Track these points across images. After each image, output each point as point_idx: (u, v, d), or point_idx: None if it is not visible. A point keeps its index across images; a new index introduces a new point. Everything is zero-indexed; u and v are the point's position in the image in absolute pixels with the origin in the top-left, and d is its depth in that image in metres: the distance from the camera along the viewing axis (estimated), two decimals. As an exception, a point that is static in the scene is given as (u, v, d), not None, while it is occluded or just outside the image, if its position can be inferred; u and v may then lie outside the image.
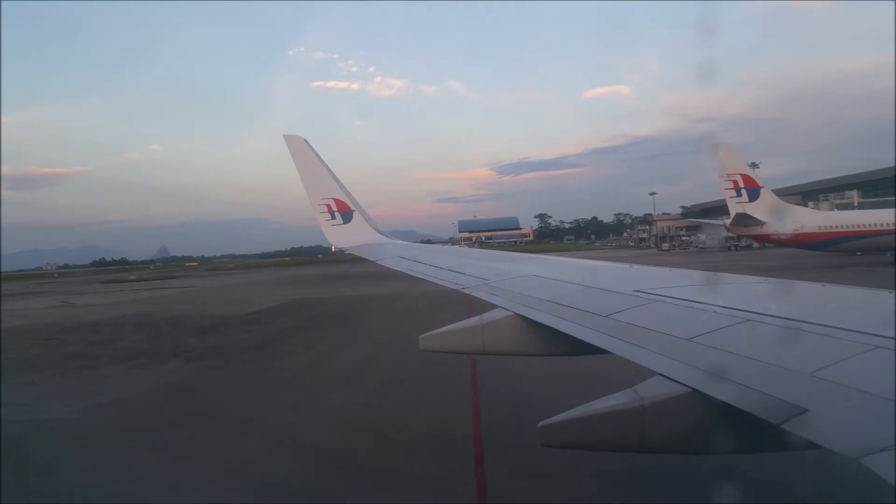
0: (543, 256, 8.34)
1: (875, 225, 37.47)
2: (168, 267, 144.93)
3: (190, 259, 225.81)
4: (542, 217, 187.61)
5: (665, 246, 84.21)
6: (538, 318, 4.30)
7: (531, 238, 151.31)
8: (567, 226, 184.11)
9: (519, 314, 4.59)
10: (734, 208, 38.45)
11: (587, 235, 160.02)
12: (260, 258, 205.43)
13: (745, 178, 38.25)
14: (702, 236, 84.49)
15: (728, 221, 40.62)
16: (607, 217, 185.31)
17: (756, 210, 37.44)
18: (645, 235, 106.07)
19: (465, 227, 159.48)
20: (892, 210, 39.66)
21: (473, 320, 4.83)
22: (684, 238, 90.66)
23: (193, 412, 10.59)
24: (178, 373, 13.93)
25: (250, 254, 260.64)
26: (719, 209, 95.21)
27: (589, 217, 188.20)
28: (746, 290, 4.39)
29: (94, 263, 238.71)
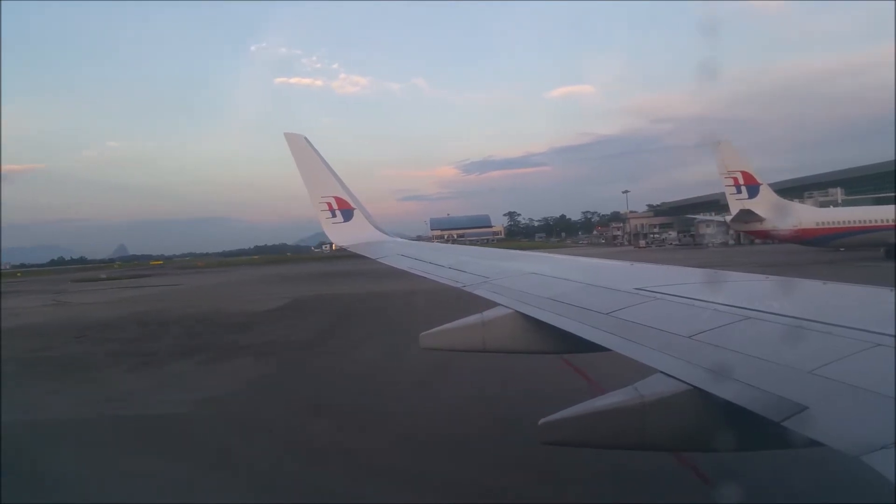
0: (543, 254, 8.34)
1: (870, 221, 37.72)
2: (133, 266, 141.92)
3: (150, 257, 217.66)
4: (511, 215, 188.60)
5: (642, 243, 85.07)
6: (539, 316, 4.30)
7: (502, 236, 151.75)
8: (536, 224, 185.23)
9: (520, 312, 4.59)
10: (734, 205, 38.70)
11: (558, 233, 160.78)
12: (223, 257, 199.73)
13: (746, 175, 38.47)
14: (673, 234, 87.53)
15: (728, 218, 40.86)
16: (575, 215, 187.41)
17: (756, 207, 37.72)
18: (619, 233, 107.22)
19: (436, 224, 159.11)
20: (889, 206, 39.94)
21: (474, 318, 4.84)
22: (655, 235, 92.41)
23: (306, 407, 10.40)
24: (255, 368, 13.71)
25: (212, 252, 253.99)
26: (691, 207, 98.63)
27: (557, 215, 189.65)
28: (747, 288, 4.39)
29: (53, 262, 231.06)
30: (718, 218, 60.37)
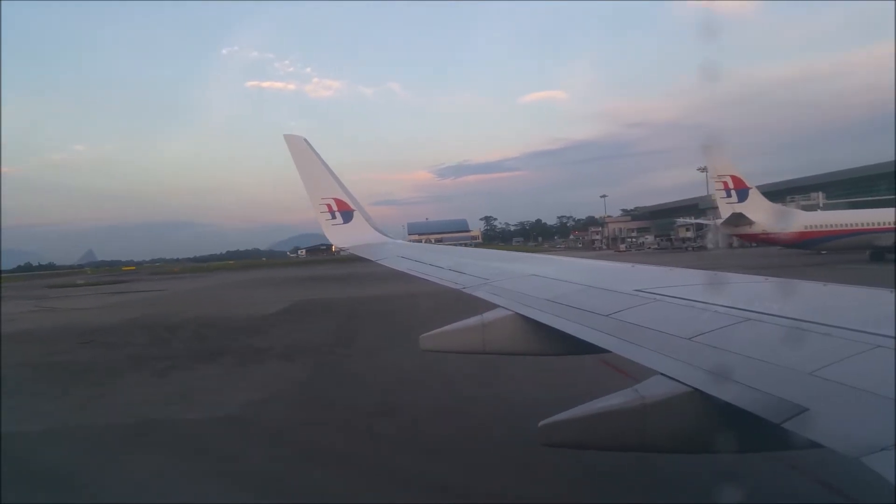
0: (543, 256, 8.35)
1: (858, 224, 38.31)
2: (106, 271, 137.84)
3: (120, 263, 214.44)
4: (487, 219, 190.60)
5: (622, 247, 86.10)
6: (538, 318, 4.31)
7: (480, 240, 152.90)
8: (513, 228, 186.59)
9: (519, 314, 4.59)
10: (724, 208, 39.36)
11: (535, 238, 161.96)
12: (195, 262, 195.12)
13: (735, 179, 39.10)
14: (650, 238, 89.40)
15: (719, 221, 41.38)
16: (550, 219, 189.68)
17: (746, 210, 38.31)
18: (597, 237, 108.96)
19: (413, 229, 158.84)
20: (875, 210, 41.21)
21: (474, 320, 4.84)
22: (632, 239, 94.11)
23: (369, 404, 10.22)
24: (292, 371, 13.48)
25: (183, 257, 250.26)
26: (668, 211, 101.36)
27: (533, 219, 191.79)
28: (747, 290, 4.39)
29: (20, 268, 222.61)
30: (705, 221, 61.29)
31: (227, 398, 11.07)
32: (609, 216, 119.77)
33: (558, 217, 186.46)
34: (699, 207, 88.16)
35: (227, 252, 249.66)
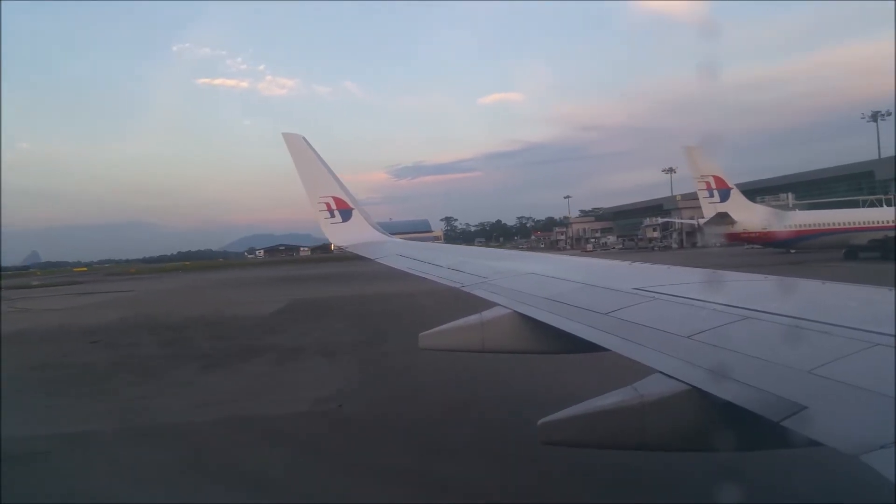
0: (542, 255, 8.35)
1: (836, 224, 39.26)
2: (56, 272, 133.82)
3: (67, 264, 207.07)
4: (448, 220, 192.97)
5: (588, 247, 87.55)
6: (537, 316, 4.30)
7: (442, 240, 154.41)
8: (473, 229, 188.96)
9: (518, 312, 4.58)
10: (707, 208, 40.31)
11: (496, 238, 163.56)
12: (146, 263, 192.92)
13: (717, 179, 39.88)
14: (612, 238, 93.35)
15: (703, 221, 42.44)
16: (509, 220, 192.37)
17: (728, 209, 39.17)
18: (562, 237, 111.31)
19: (378, 229, 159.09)
20: (853, 210, 43.27)
21: (473, 318, 4.84)
22: (595, 239, 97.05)
23: (452, 398, 10.01)
24: (347, 367, 13.26)
25: (133, 259, 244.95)
26: (633, 212, 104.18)
27: (493, 220, 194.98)
28: (745, 288, 4.39)
29: None
30: (690, 221, 62.54)
31: (303, 394, 10.89)
32: (567, 217, 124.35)
33: (518, 218, 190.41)
34: (664, 208, 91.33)
35: (179, 253, 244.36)
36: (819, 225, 39.58)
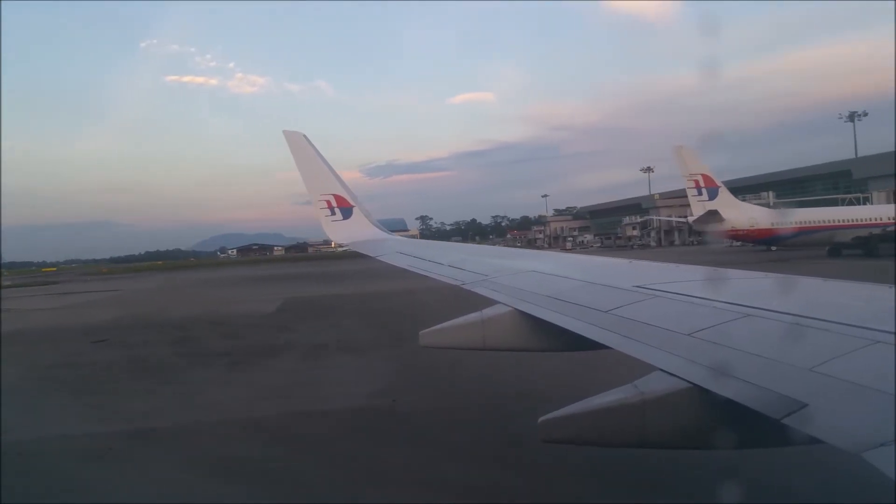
0: (542, 252, 8.35)
1: (821, 222, 40.04)
2: (24, 273, 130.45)
3: (32, 264, 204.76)
4: (423, 219, 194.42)
5: (568, 245, 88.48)
6: (538, 314, 4.30)
7: (419, 239, 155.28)
8: (449, 227, 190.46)
9: (519, 310, 4.59)
10: (696, 207, 41.20)
11: (472, 237, 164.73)
12: (113, 263, 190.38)
13: (706, 178, 40.63)
14: (589, 236, 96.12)
15: (692, 218, 43.46)
16: (484, 219, 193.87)
17: (717, 207, 40.13)
18: (540, 236, 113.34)
19: None
20: (837, 208, 44.78)
21: (473, 316, 4.84)
22: (571, 238, 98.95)
23: (506, 393, 9.86)
24: (379, 364, 12.90)
25: (100, 258, 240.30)
26: (611, 210, 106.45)
27: (468, 219, 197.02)
28: (746, 286, 4.39)
29: None
30: (680, 219, 63.47)
31: (350, 390, 10.83)
32: (543, 215, 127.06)
33: (493, 217, 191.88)
34: (642, 206, 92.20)
35: (147, 252, 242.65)
36: (816, 222, 40.11)
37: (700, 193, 40.60)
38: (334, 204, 11.79)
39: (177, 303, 31.44)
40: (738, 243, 47.44)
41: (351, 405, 9.88)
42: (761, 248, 44.04)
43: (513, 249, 9.48)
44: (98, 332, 20.04)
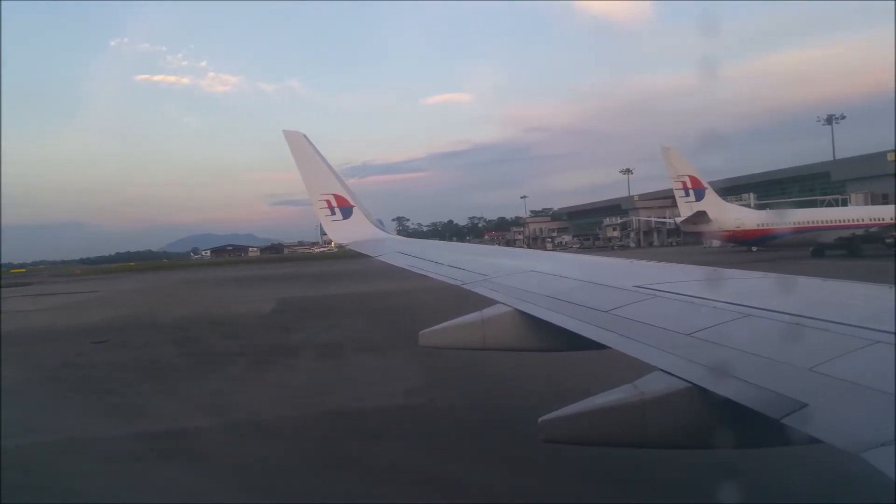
0: (543, 252, 8.36)
1: (812, 222, 40.66)
2: None
3: None
4: (400, 220, 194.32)
5: (548, 246, 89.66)
6: (538, 314, 4.30)
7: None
8: (426, 229, 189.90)
9: (519, 310, 4.59)
10: (683, 207, 41.76)
11: (449, 238, 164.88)
12: (83, 264, 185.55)
13: (693, 179, 41.13)
14: (567, 237, 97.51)
15: (679, 219, 43.92)
16: (461, 220, 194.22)
17: (702, 208, 40.79)
18: (519, 237, 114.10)
19: None
20: (819, 209, 45.60)
21: (473, 316, 4.84)
22: (550, 239, 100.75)
23: (542, 392, 9.43)
24: (405, 364, 12.74)
25: (69, 260, 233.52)
26: (590, 212, 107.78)
27: (445, 220, 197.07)
28: (746, 286, 4.39)
29: None
30: (669, 220, 64.22)
31: (383, 388, 10.81)
32: (519, 217, 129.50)
33: (469, 218, 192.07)
34: (622, 208, 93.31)
35: (118, 254, 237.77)
36: (803, 223, 40.61)
37: (687, 194, 41.24)
38: (334, 204, 11.78)
39: (165, 304, 31.12)
40: (719, 244, 48.53)
41: (391, 403, 9.88)
42: (742, 248, 44.83)
43: (512, 249, 9.46)
44: (95, 333, 19.83)
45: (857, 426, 2.00)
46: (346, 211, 11.83)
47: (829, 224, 39.83)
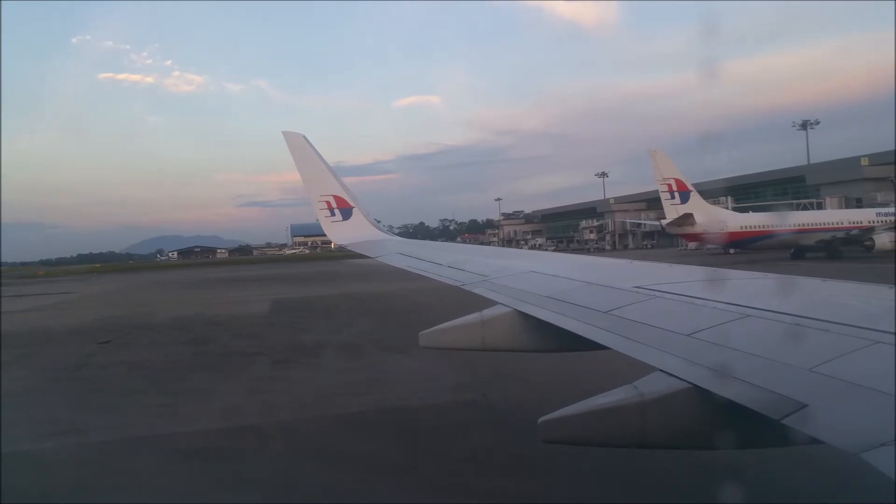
0: (542, 253, 8.36)
1: (788, 226, 41.43)
2: None
3: None
4: None
5: (524, 248, 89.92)
6: (538, 315, 4.30)
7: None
8: (397, 231, 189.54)
9: (518, 310, 4.59)
10: (669, 210, 42.49)
11: (420, 240, 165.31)
12: (44, 266, 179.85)
13: (678, 182, 41.89)
14: (541, 240, 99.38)
15: (664, 221, 44.70)
16: (432, 222, 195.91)
17: (689, 211, 41.54)
18: (494, 239, 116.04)
19: (298, 231, 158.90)
20: (801, 212, 46.60)
21: (473, 317, 4.84)
22: (524, 242, 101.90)
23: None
24: (431, 363, 12.16)
25: (28, 261, 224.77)
26: (565, 214, 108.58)
27: (416, 222, 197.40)
28: (746, 286, 4.39)
29: None
30: (654, 222, 65.03)
31: (426, 385, 10.63)
32: (492, 220, 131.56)
33: (441, 220, 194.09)
34: (597, 210, 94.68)
35: (79, 255, 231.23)
36: (788, 226, 41.32)
37: (673, 197, 41.90)
38: (334, 205, 11.79)
39: (150, 305, 30.63)
40: (695, 245, 50.00)
41: (441, 400, 9.80)
42: (721, 251, 45.91)
43: (511, 250, 9.46)
44: (92, 334, 19.60)
45: (857, 426, 2.00)
46: (346, 212, 11.84)
47: (817, 227, 40.60)
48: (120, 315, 25.72)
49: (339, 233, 11.85)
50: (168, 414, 9.86)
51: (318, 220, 12.03)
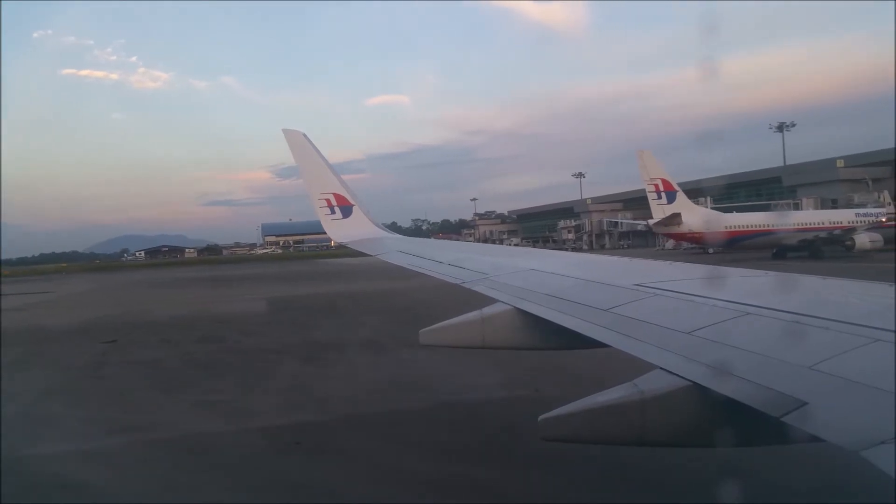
0: (542, 251, 8.36)
1: (769, 226, 42.02)
2: None
3: None
4: None
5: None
6: (538, 312, 4.30)
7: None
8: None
9: (518, 308, 4.59)
10: (656, 210, 42.78)
11: None
12: (5, 265, 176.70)
13: (665, 182, 42.21)
14: (516, 240, 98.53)
15: (652, 221, 44.79)
16: (405, 222, 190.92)
17: (674, 210, 41.77)
18: (471, 238, 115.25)
19: (269, 230, 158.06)
20: (787, 212, 47.58)
21: (473, 315, 4.84)
22: (499, 241, 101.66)
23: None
24: (461, 361, 11.86)
25: None
26: (543, 214, 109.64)
27: (388, 222, 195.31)
28: (746, 284, 4.39)
29: None
30: (642, 222, 65.15)
31: (476, 381, 10.50)
32: (465, 220, 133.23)
33: (413, 220, 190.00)
34: (574, 210, 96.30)
35: (41, 255, 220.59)
36: (774, 226, 41.76)
37: (659, 197, 42.15)
38: (334, 203, 11.78)
39: (140, 303, 30.04)
40: (673, 245, 50.82)
41: (496, 396, 9.80)
42: (699, 250, 46.31)
43: (511, 248, 9.46)
44: (92, 333, 19.20)
45: (856, 424, 2.00)
46: (346, 210, 11.82)
47: (801, 227, 41.10)
48: (116, 314, 25.39)
49: (340, 231, 11.84)
50: (218, 413, 9.77)
51: (318, 217, 12.02)
